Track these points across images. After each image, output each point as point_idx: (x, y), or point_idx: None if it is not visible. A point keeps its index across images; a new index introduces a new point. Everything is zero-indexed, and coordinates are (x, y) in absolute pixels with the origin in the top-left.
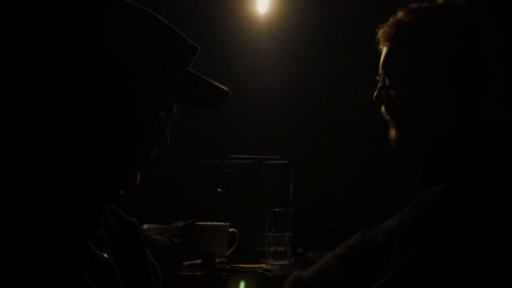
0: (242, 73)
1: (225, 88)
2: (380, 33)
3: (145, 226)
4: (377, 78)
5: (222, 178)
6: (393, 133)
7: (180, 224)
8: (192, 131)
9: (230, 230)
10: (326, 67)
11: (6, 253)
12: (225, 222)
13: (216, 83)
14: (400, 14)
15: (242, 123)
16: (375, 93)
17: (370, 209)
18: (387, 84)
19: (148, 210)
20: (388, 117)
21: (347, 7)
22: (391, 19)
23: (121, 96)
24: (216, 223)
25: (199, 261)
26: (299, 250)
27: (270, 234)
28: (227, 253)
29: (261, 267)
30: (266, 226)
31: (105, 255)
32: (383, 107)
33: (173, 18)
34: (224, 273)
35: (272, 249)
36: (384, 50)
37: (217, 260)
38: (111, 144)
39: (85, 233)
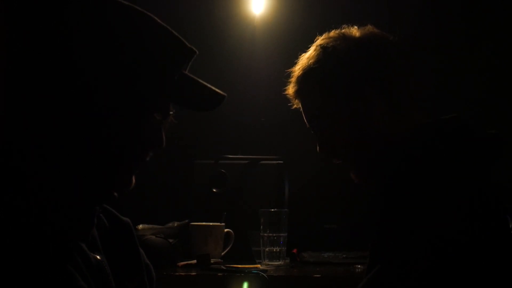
0: (237, 73)
1: (222, 93)
2: (288, 92)
3: (140, 226)
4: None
5: (217, 179)
6: (352, 173)
7: (175, 224)
8: (187, 131)
9: (225, 230)
10: None
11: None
12: (220, 223)
13: (213, 87)
14: (294, 70)
15: (237, 124)
16: (318, 146)
17: (366, 209)
18: (319, 130)
19: (143, 210)
20: (340, 161)
21: (342, 7)
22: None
23: (116, 98)
24: (211, 224)
25: (194, 261)
26: (294, 251)
27: (265, 234)
28: (222, 254)
29: (256, 267)
30: (261, 227)
31: (98, 257)
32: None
33: (167, 19)
34: (219, 274)
35: (267, 249)
36: (300, 106)
37: (212, 261)
38: (103, 146)
39: (78, 235)
